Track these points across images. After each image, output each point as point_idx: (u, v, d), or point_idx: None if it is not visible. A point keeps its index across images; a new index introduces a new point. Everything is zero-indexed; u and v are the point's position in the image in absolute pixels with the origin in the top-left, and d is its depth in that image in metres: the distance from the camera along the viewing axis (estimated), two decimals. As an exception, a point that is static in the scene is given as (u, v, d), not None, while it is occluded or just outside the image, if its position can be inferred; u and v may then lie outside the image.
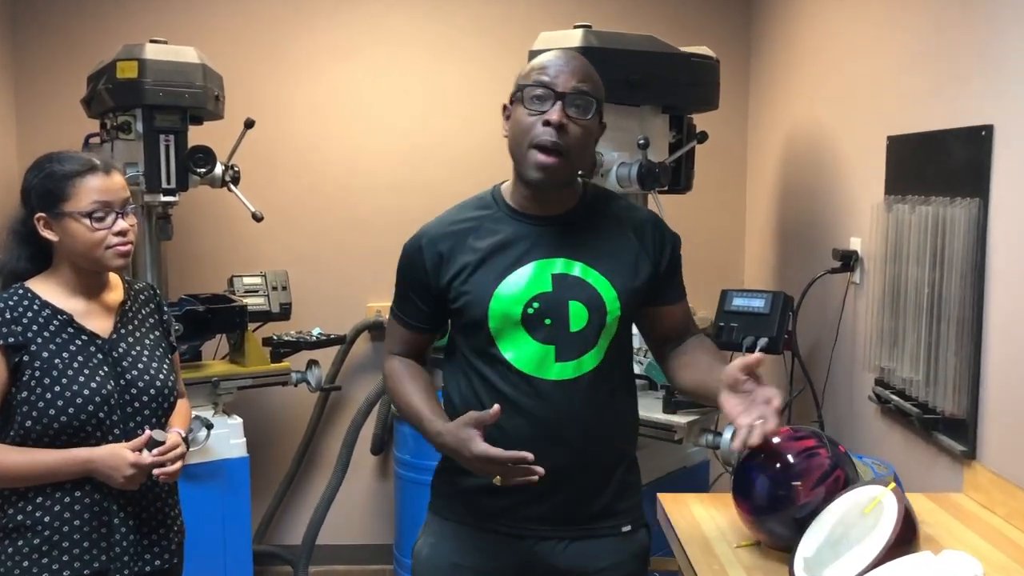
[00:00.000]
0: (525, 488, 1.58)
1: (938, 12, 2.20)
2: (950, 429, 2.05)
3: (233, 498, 3.03)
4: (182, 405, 2.12)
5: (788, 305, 2.72)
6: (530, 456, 1.54)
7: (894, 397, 2.26)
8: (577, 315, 1.68)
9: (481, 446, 1.56)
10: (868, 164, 2.54)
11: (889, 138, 2.39)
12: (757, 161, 3.65)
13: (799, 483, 1.59)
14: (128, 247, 1.87)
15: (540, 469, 1.54)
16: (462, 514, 1.78)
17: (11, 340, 1.78)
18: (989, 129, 1.92)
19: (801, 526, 1.56)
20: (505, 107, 1.73)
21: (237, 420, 3.05)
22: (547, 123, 1.61)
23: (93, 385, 1.83)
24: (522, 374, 1.68)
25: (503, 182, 1.83)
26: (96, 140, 3.14)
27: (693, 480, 2.92)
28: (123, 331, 1.94)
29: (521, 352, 1.68)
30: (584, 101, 1.64)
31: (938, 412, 2.08)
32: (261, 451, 3.44)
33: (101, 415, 1.84)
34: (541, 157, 1.62)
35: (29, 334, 1.80)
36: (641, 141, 2.53)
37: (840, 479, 1.60)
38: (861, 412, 2.57)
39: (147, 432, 1.84)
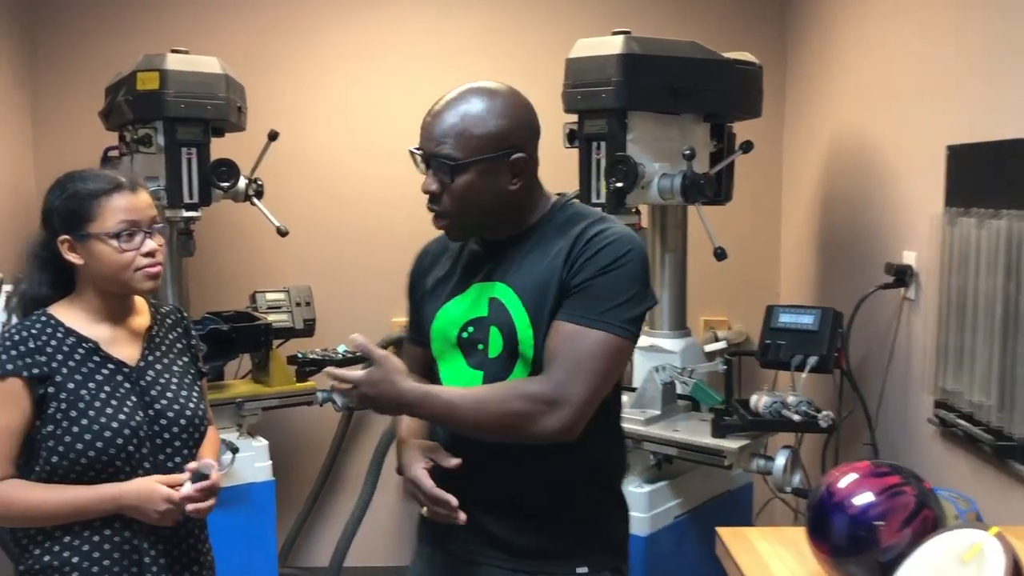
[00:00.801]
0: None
1: (1004, 6, 2.08)
2: (1027, 457, 1.93)
3: (259, 522, 2.93)
4: (211, 433, 2.01)
5: (838, 322, 2.60)
6: (453, 501, 1.54)
7: (961, 422, 2.14)
8: (495, 341, 1.62)
9: (417, 471, 1.59)
10: (923, 175, 2.42)
11: (949, 148, 2.27)
12: (794, 170, 3.53)
13: (882, 523, 1.47)
14: (158, 268, 1.77)
15: (462, 516, 1.54)
16: (424, 534, 1.77)
17: (35, 371, 1.68)
18: (1071, 139, 1.81)
19: (886, 571, 1.44)
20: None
21: (262, 442, 2.95)
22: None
23: (121, 417, 1.73)
24: None
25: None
26: (115, 153, 3.05)
27: (737, 504, 2.80)
28: (150, 358, 1.84)
29: (455, 376, 1.66)
30: (437, 164, 1.60)
31: (1015, 439, 1.95)
32: (285, 471, 3.33)
33: (131, 448, 1.74)
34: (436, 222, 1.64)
35: (54, 364, 1.70)
36: (687, 152, 2.43)
37: (928, 520, 1.47)
38: (919, 436, 2.45)
39: (192, 464, 1.73)
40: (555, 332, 1.55)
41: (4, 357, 1.67)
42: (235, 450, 2.78)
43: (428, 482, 1.56)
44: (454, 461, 1.58)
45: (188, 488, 1.69)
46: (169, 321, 1.94)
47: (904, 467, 1.58)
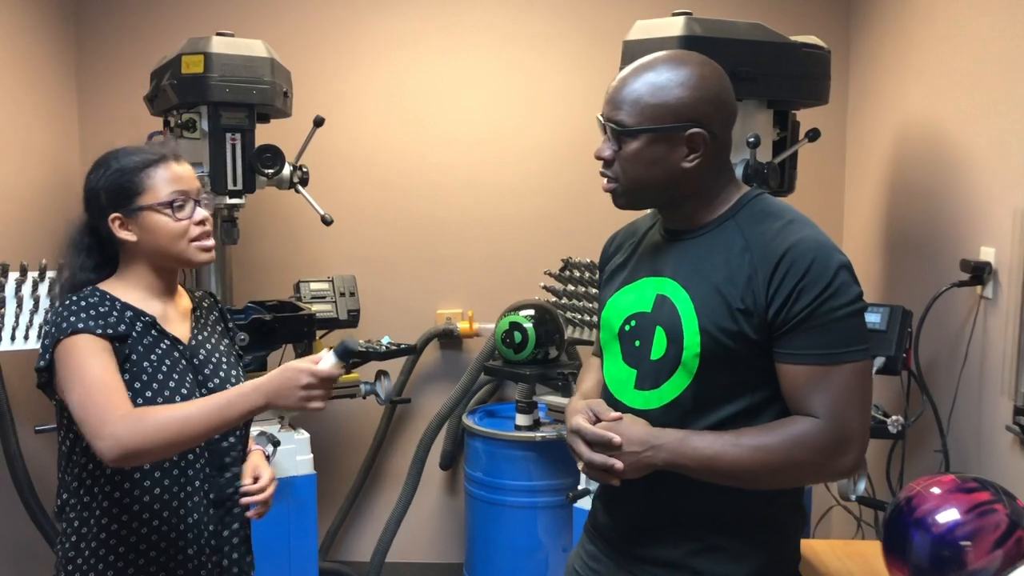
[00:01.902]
0: (617, 498, 1.56)
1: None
2: (1120, 471, 1.78)
3: (300, 516, 2.87)
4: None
5: (907, 321, 2.46)
6: (615, 440, 1.46)
7: (1046, 431, 2.00)
8: (659, 342, 1.52)
9: (578, 420, 1.54)
10: (1005, 165, 2.26)
11: (1036, 136, 2.11)
12: (858, 159, 3.37)
13: (969, 544, 1.36)
14: (211, 242, 1.74)
15: (619, 464, 1.45)
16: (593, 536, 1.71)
17: (110, 331, 1.63)
18: None
19: (974, 596, 1.33)
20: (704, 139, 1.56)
21: (304, 435, 2.89)
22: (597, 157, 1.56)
23: (184, 391, 1.70)
24: (609, 394, 1.60)
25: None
26: (159, 139, 2.99)
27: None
28: (200, 337, 1.80)
29: (614, 371, 1.60)
30: (610, 129, 1.52)
31: (1107, 452, 1.81)
32: (326, 464, 3.27)
33: None
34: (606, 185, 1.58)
35: (122, 327, 1.66)
36: (752, 139, 2.30)
37: (1023, 542, 1.35)
38: (996, 444, 2.30)
39: (337, 345, 1.62)
40: (794, 376, 1.42)
41: (74, 319, 1.62)
42: (276, 443, 2.73)
43: (587, 425, 1.48)
44: (614, 414, 1.49)
45: (328, 363, 1.57)
46: (205, 304, 1.91)
47: (994, 482, 1.46)
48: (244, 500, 1.75)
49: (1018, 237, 2.14)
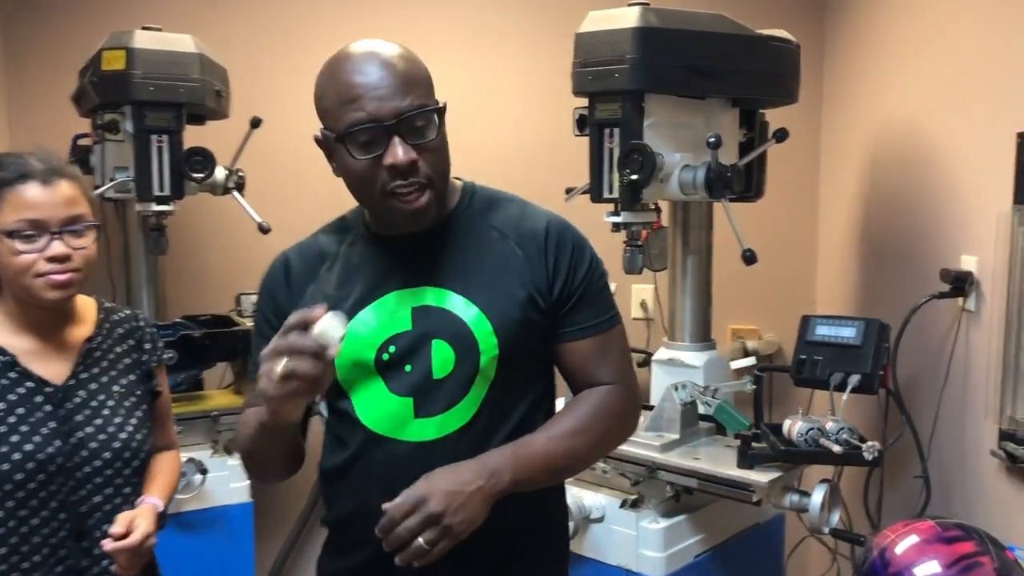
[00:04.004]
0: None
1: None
2: (1118, 506, 1.60)
3: (234, 549, 2.67)
4: (167, 463, 1.75)
5: (884, 335, 2.28)
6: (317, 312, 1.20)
7: (1034, 458, 1.82)
8: (441, 357, 1.34)
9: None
10: (988, 169, 2.09)
11: (1020, 135, 1.94)
12: (833, 163, 3.19)
13: (952, 603, 1.17)
14: (67, 276, 1.50)
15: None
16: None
17: None
18: None
19: (957, 665, 1.14)
20: (318, 141, 1.41)
21: (239, 460, 2.67)
22: (392, 167, 1.30)
23: (36, 440, 1.48)
24: (374, 435, 1.39)
25: None
26: (86, 142, 2.79)
27: (768, 540, 2.48)
28: (83, 376, 1.58)
29: (375, 407, 1.39)
30: (423, 120, 1.31)
31: (1103, 484, 1.63)
32: (269, 491, 3.06)
33: (39, 480, 1.48)
34: (402, 205, 1.32)
35: None
36: (712, 139, 2.11)
37: (1013, 601, 1.17)
38: (980, 470, 2.12)
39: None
40: (581, 351, 1.44)
41: None
42: (204, 471, 2.53)
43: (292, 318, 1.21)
44: (319, 309, 1.21)
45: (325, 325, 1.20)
46: (120, 331, 1.69)
47: (978, 529, 1.27)
48: (105, 546, 1.51)
49: (1003, 244, 1.96)
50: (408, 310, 1.37)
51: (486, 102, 3.24)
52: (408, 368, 1.36)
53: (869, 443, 1.99)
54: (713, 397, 2.29)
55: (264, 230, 2.72)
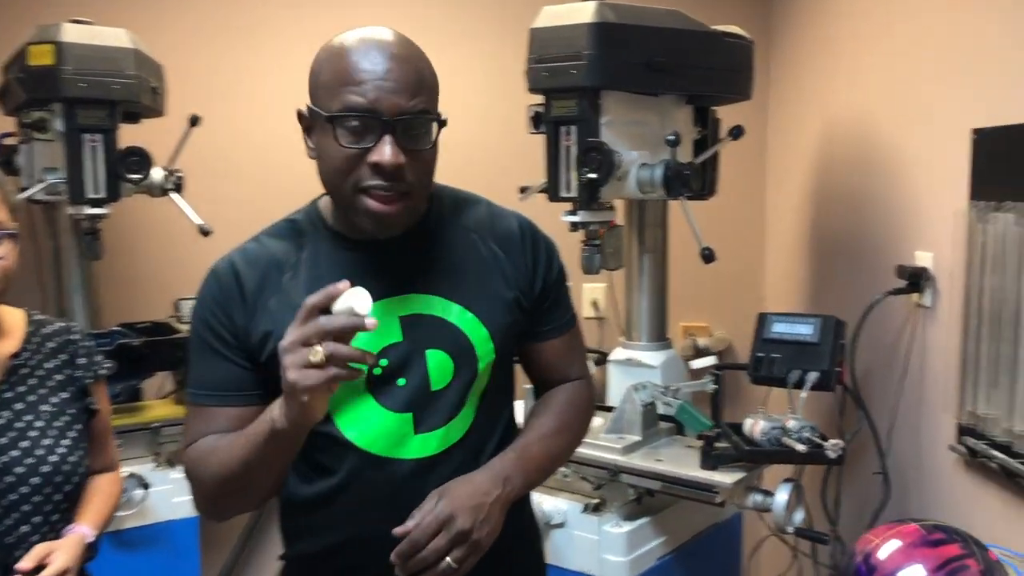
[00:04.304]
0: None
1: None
2: (1082, 499, 1.62)
3: (179, 566, 2.56)
4: (104, 485, 1.65)
5: (841, 332, 2.28)
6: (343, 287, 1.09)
7: (996, 453, 1.82)
8: (439, 368, 1.28)
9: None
10: (943, 165, 2.10)
11: (976, 132, 1.95)
12: (780, 161, 3.21)
13: (939, 607, 1.15)
14: None
15: (372, 321, 1.09)
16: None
17: None
18: None
19: (947, 670, 1.12)
20: (300, 115, 1.31)
21: (183, 474, 2.56)
22: (376, 165, 1.20)
23: None
24: (371, 456, 1.29)
25: (322, 196, 1.39)
26: (11, 141, 2.64)
27: (727, 540, 2.47)
28: (8, 395, 1.48)
29: (368, 427, 1.29)
30: (423, 126, 1.22)
31: (1068, 478, 1.64)
32: (215, 503, 2.94)
33: None
34: (374, 205, 1.22)
35: None
36: (671, 137, 2.08)
37: (1001, 604, 1.15)
38: (938, 465, 2.13)
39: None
40: (554, 349, 1.45)
41: None
42: (146, 485, 2.42)
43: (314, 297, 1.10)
44: (343, 283, 1.10)
45: (347, 302, 1.10)
46: (51, 345, 1.58)
47: (961, 530, 1.26)
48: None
49: (960, 240, 1.97)
50: (395, 320, 1.28)
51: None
52: (401, 382, 1.28)
53: (832, 441, 1.98)
54: (674, 397, 2.26)
55: (205, 232, 2.61)
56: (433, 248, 1.33)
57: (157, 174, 2.57)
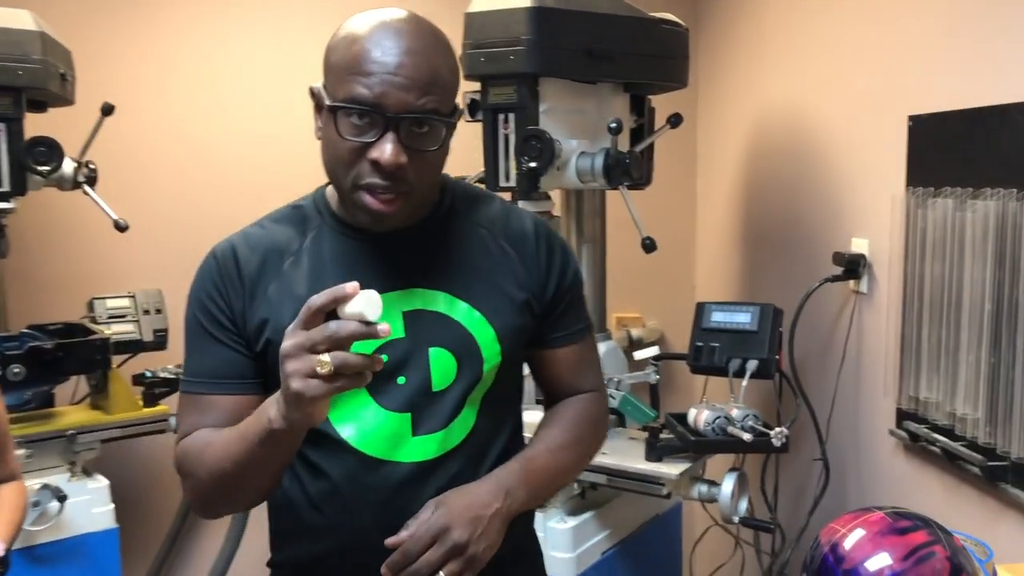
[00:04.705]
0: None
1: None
2: (1024, 480, 1.64)
3: (99, 579, 2.41)
4: (7, 496, 1.53)
5: (779, 320, 2.29)
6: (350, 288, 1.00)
7: (938, 437, 1.84)
8: (442, 367, 1.21)
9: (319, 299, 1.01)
10: (878, 152, 2.12)
11: (912, 118, 1.96)
12: (710, 150, 3.21)
13: (908, 596, 1.14)
14: None
15: (385, 326, 1.00)
16: None
17: None
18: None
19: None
20: (311, 92, 1.21)
21: (102, 483, 2.43)
22: (375, 162, 1.12)
23: None
24: (366, 457, 1.21)
25: (329, 182, 1.30)
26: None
27: (668, 530, 2.45)
28: None
29: (364, 426, 1.21)
30: (429, 127, 1.15)
31: (1010, 459, 1.66)
32: (134, 513, 2.81)
33: None
34: (371, 202, 1.15)
35: None
36: (613, 125, 2.05)
37: (969, 589, 1.14)
38: (878, 450, 2.15)
39: None
40: (566, 358, 1.35)
41: None
42: (62, 497, 2.28)
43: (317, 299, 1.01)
44: (352, 285, 1.01)
45: (358, 305, 0.99)
46: None
47: (925, 516, 1.25)
48: None
49: (898, 226, 1.99)
50: (398, 315, 1.20)
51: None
52: (401, 380, 1.20)
53: (778, 429, 1.98)
54: (617, 389, 2.24)
55: (121, 228, 2.48)
56: (442, 242, 1.26)
57: (68, 166, 2.42)
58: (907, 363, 1.96)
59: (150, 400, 2.58)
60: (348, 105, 1.11)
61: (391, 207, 1.15)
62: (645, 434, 2.14)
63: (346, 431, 1.21)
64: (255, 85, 3.00)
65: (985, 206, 1.70)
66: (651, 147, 2.51)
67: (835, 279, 2.22)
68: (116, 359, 2.55)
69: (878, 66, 2.13)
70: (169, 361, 2.71)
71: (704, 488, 2.09)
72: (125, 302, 2.70)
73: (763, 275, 2.79)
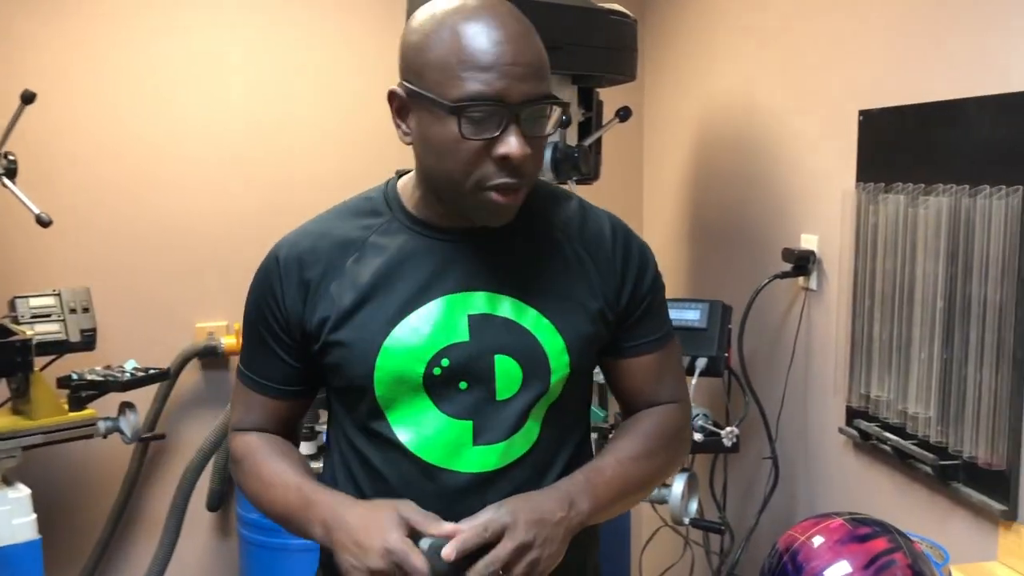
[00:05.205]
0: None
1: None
2: (977, 480, 1.62)
3: (21, 594, 2.29)
4: None
5: (728, 317, 2.26)
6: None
7: (890, 435, 1.82)
8: (507, 376, 1.15)
9: (398, 542, 1.05)
10: (828, 147, 2.10)
11: (863, 113, 1.94)
12: (658, 144, 3.18)
13: (870, 605, 1.10)
14: None
15: None
16: None
17: None
18: (1038, 96, 1.49)
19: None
20: (394, 95, 1.13)
21: (23, 491, 2.30)
22: (504, 158, 1.06)
23: None
24: (423, 464, 1.16)
25: (401, 174, 1.25)
26: None
27: (615, 533, 2.41)
28: None
29: (423, 431, 1.16)
30: (545, 112, 1.11)
31: (962, 458, 1.64)
32: (60, 523, 2.68)
33: None
34: (498, 198, 1.09)
35: None
36: (564, 117, 1.98)
37: (931, 596, 1.11)
38: (827, 449, 2.13)
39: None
40: (644, 367, 1.27)
41: None
42: (-20, 509, 2.15)
43: (417, 560, 1.04)
44: (449, 525, 1.06)
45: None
46: None
47: (884, 522, 1.21)
48: None
49: (848, 222, 1.96)
50: (464, 318, 1.14)
51: (309, 82, 2.97)
52: (464, 386, 1.14)
53: (728, 428, 1.95)
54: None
55: (44, 223, 2.34)
56: (515, 245, 1.19)
57: (-16, 157, 2.29)
58: (857, 361, 1.94)
59: (76, 404, 2.46)
60: (472, 103, 1.04)
61: (513, 199, 1.10)
62: (594, 435, 2.08)
63: (404, 435, 1.15)
64: (188, 74, 2.88)
65: (937, 202, 1.68)
66: (599, 141, 2.46)
67: (784, 275, 2.20)
68: (40, 360, 2.42)
69: (829, 60, 2.11)
70: (98, 362, 2.60)
71: (655, 490, 2.04)
72: (50, 300, 2.57)
73: (712, 271, 2.76)
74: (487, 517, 1.06)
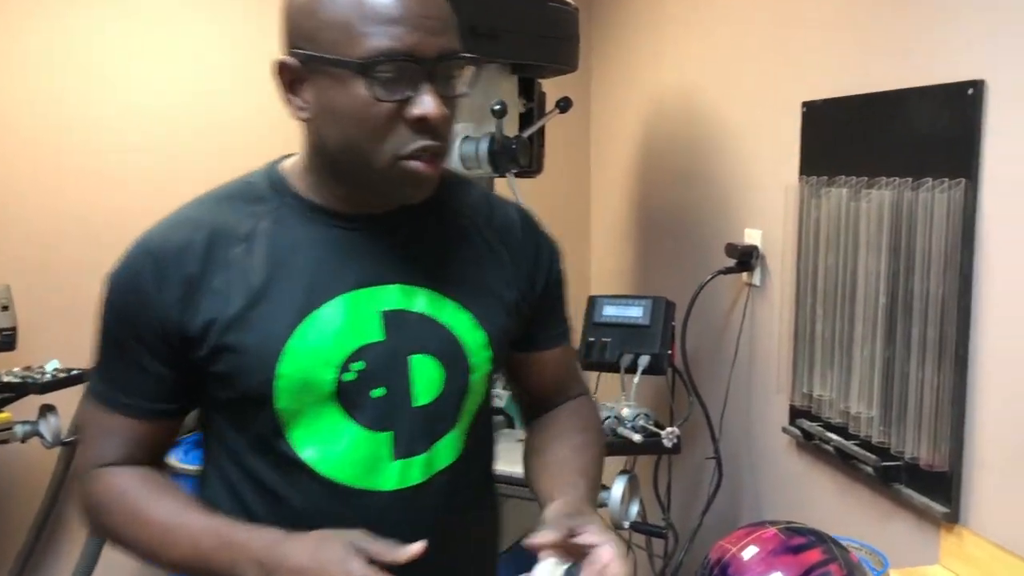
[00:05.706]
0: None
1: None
2: (919, 481, 1.58)
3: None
4: None
5: (671, 313, 2.21)
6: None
7: (832, 435, 1.78)
8: (426, 377, 1.04)
9: (365, 567, 0.90)
10: (771, 140, 2.05)
11: (806, 104, 1.89)
12: (605, 137, 3.12)
13: (805, 619, 1.04)
14: None
15: None
16: None
17: None
18: (979, 86, 1.44)
19: None
20: (284, 66, 1.00)
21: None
22: (421, 119, 0.95)
23: None
24: (334, 485, 1.02)
25: (284, 157, 1.12)
26: None
27: (560, 535, 2.34)
28: None
29: (334, 448, 1.02)
30: (459, 69, 1.00)
31: (904, 459, 1.60)
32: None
33: None
34: (420, 167, 0.98)
35: None
36: (497, 107, 1.91)
37: (867, 610, 1.06)
38: (771, 448, 2.09)
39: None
40: (556, 360, 1.21)
41: None
42: None
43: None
44: (416, 547, 0.92)
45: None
46: None
47: (819, 531, 1.16)
48: None
49: (791, 216, 1.92)
50: (375, 315, 1.02)
51: (233, 61, 2.86)
52: (379, 392, 1.01)
53: (668, 429, 1.90)
54: (503, 388, 2.11)
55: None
56: (424, 233, 1.08)
57: None
58: (800, 359, 1.90)
59: (-8, 407, 2.34)
60: (382, 60, 0.92)
61: (436, 169, 0.99)
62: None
63: (310, 453, 1.01)
64: (106, 64, 2.76)
65: (880, 195, 1.63)
66: (541, 133, 2.39)
67: (728, 271, 2.15)
68: (-48, 362, 2.31)
69: (773, 50, 2.06)
70: (16, 363, 2.48)
71: (594, 492, 1.98)
72: (-35, 298, 2.46)
73: (657, 267, 2.71)
74: (605, 536, 0.97)
